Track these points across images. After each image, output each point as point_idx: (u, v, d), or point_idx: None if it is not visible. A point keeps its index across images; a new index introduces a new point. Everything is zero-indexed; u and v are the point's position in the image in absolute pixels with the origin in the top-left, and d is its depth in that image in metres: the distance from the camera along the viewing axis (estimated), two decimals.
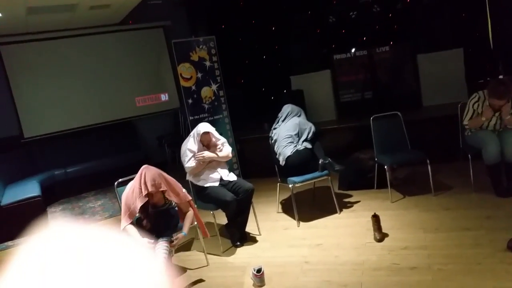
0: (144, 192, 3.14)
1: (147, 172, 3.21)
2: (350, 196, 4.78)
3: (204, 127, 3.91)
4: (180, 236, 3.27)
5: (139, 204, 3.14)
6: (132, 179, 3.79)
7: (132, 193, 3.23)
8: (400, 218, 3.92)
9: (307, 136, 4.37)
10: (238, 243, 3.93)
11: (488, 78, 7.92)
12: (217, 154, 3.95)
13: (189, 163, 3.91)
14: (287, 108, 4.61)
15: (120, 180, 3.78)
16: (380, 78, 6.57)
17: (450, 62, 6.06)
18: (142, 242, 3.14)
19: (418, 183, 4.75)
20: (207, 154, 3.90)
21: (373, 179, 4.82)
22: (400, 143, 4.74)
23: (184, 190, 3.52)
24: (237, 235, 3.98)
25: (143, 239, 3.16)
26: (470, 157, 4.23)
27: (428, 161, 4.29)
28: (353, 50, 6.66)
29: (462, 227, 3.49)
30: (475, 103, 4.07)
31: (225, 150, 4.02)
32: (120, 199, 3.66)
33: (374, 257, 3.27)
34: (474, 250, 3.09)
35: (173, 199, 3.32)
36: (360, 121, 5.85)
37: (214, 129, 4.01)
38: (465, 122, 4.15)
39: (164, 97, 8.58)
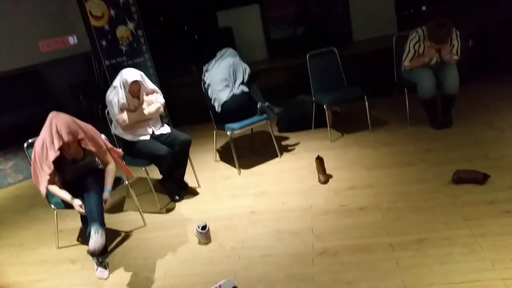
0: (58, 143, 2.65)
1: (58, 120, 2.71)
2: (288, 138, 4.61)
3: (131, 74, 3.34)
4: (105, 196, 2.86)
5: (51, 157, 2.67)
6: None
7: (42, 147, 2.73)
8: (342, 157, 3.84)
9: (243, 78, 4.02)
10: (177, 197, 3.62)
11: (411, 10, 8.00)
12: (144, 112, 3.44)
13: (121, 116, 3.38)
14: (223, 50, 4.17)
15: (30, 140, 3.19)
16: (311, 13, 6.27)
17: None
18: (74, 203, 2.73)
19: (355, 120, 4.70)
20: (126, 117, 3.38)
21: (309, 119, 4.67)
22: (336, 80, 4.59)
23: (103, 136, 3.06)
24: (175, 188, 3.65)
25: (74, 200, 2.74)
26: (406, 91, 4.20)
27: (365, 98, 4.21)
28: None
29: (404, 162, 3.49)
30: (416, 43, 3.96)
31: (154, 105, 3.53)
32: (31, 161, 3.12)
33: (321, 200, 3.15)
34: (419, 185, 3.08)
35: (91, 148, 2.84)
36: (294, 59, 5.59)
37: (143, 75, 3.47)
38: (406, 63, 4.05)
39: (72, 39, 7.54)
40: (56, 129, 2.67)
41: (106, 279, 2.71)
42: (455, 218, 2.62)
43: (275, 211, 3.13)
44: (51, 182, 2.76)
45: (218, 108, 3.94)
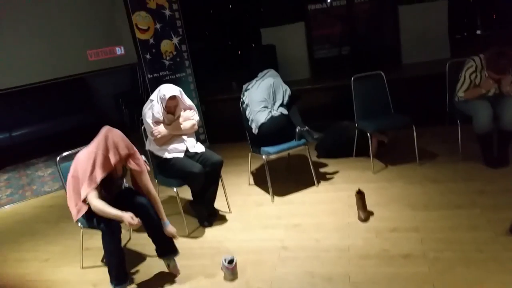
0: (115, 159, 2.54)
1: (114, 134, 2.61)
2: (327, 165, 4.38)
3: (169, 90, 3.28)
4: (172, 231, 2.82)
5: (101, 174, 2.54)
6: (76, 152, 3.21)
7: (93, 162, 2.57)
8: (384, 192, 3.56)
9: (283, 100, 3.86)
10: (206, 223, 3.48)
11: (465, 34, 7.57)
12: (179, 127, 3.38)
13: (157, 128, 3.34)
14: (265, 71, 4.04)
15: (64, 154, 3.16)
16: (358, 32, 6.03)
17: (433, 15, 5.56)
18: (124, 217, 2.53)
19: (400, 150, 4.39)
20: (163, 129, 3.32)
21: (352, 147, 4.42)
22: (382, 107, 4.31)
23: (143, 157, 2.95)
24: (205, 213, 3.52)
25: (124, 213, 2.55)
26: (459, 123, 3.87)
27: (414, 127, 3.91)
28: (329, 0, 6.04)
29: (454, 205, 3.17)
30: (472, 73, 3.64)
31: (190, 121, 3.45)
32: (65, 177, 3.07)
33: (360, 241, 2.90)
34: (471, 233, 2.76)
35: (135, 168, 2.71)
36: (337, 81, 5.38)
37: (181, 91, 3.40)
38: (461, 94, 3.73)
39: (119, 50, 7.66)
40: (113, 143, 2.57)
41: None
42: None
43: (308, 248, 2.91)
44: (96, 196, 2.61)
45: (255, 130, 3.79)
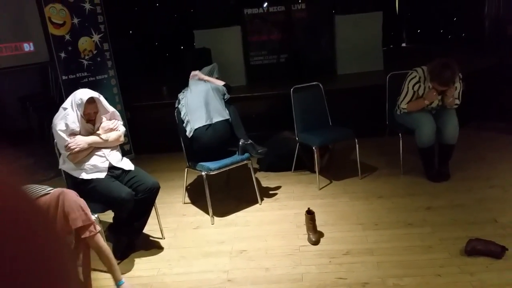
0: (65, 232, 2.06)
1: (67, 197, 2.14)
2: (268, 179, 4.10)
3: (85, 93, 2.75)
4: None
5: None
6: None
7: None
8: (331, 210, 3.35)
9: (223, 101, 3.55)
10: (120, 255, 2.91)
11: (391, 46, 7.84)
12: (101, 138, 2.85)
13: (74, 140, 2.76)
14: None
15: None
16: (295, 40, 5.88)
17: (368, 27, 5.59)
18: None
19: (342, 163, 4.26)
20: (82, 140, 2.77)
21: (292, 159, 4.18)
22: (321, 119, 4.15)
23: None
24: (124, 243, 2.99)
25: None
26: (400, 136, 3.81)
27: (356, 140, 3.79)
28: (265, 4, 5.81)
29: (404, 222, 3.05)
30: (415, 84, 3.58)
31: (115, 132, 2.93)
32: None
33: (313, 268, 2.63)
34: (427, 255, 2.63)
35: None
36: (274, 89, 5.15)
37: (100, 95, 2.87)
38: (404, 105, 3.66)
39: (28, 46, 6.73)
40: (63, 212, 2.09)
41: None
42: None
43: (257, 280, 2.57)
44: None
45: (189, 133, 3.37)
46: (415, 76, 3.60)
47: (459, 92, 3.59)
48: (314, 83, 4.19)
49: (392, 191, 3.57)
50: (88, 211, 2.23)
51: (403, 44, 7.91)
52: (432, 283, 2.38)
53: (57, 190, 2.14)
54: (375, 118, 4.41)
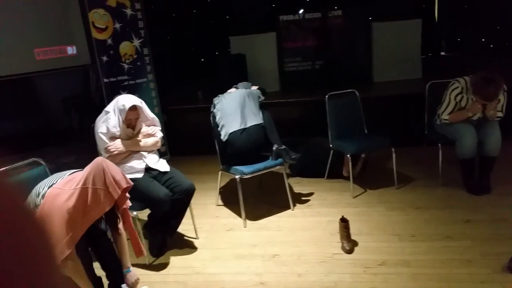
0: (116, 193, 2.11)
1: (109, 164, 2.18)
2: (300, 185, 4.08)
3: (129, 99, 2.84)
4: (130, 280, 2.39)
5: (103, 210, 2.10)
6: (18, 168, 2.69)
7: (80, 199, 2.06)
8: (366, 219, 3.30)
9: (259, 107, 3.57)
10: (156, 252, 3.02)
11: (430, 54, 7.67)
12: (139, 143, 2.93)
13: (114, 144, 2.87)
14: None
15: (3, 169, 2.62)
16: (330, 47, 5.85)
17: (407, 34, 5.49)
18: None
19: (377, 172, 4.19)
20: (120, 144, 2.87)
21: (325, 167, 4.15)
22: (357, 126, 4.11)
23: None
24: (159, 241, 3.06)
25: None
26: (440, 146, 3.71)
27: (393, 149, 3.72)
28: (301, 11, 5.82)
29: (442, 235, 2.96)
30: (458, 94, 3.49)
31: (152, 138, 3.02)
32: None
33: (347, 276, 2.60)
34: (466, 269, 2.55)
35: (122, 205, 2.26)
36: (308, 96, 5.13)
37: (143, 102, 2.95)
38: (445, 116, 3.57)
39: (71, 50, 6.99)
40: (111, 175, 2.12)
41: None
42: None
43: (290, 285, 2.56)
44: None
45: (224, 137, 3.41)
46: (458, 87, 3.51)
47: (502, 105, 3.46)
48: (349, 90, 4.15)
49: (430, 202, 3.48)
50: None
51: (442, 53, 7.72)
52: None
53: (97, 159, 2.19)
54: (413, 127, 4.32)
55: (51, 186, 2.23)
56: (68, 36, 6.82)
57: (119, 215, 2.33)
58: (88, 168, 2.15)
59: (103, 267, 2.45)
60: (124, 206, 2.29)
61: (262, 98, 3.70)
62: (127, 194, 2.30)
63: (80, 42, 6.84)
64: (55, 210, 2.05)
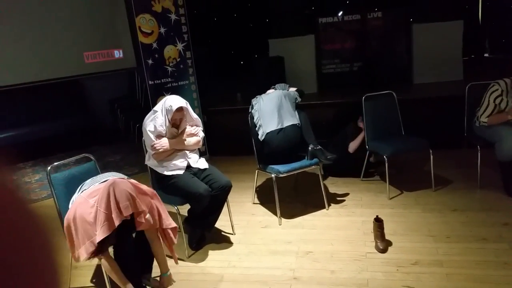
0: (118, 219, 2.20)
1: (117, 190, 2.24)
2: (336, 186, 4.13)
3: (176, 101, 3.01)
4: (164, 283, 2.55)
5: (102, 235, 2.18)
6: (68, 164, 2.94)
7: (95, 218, 2.23)
8: (402, 220, 3.32)
9: (294, 106, 3.67)
10: (195, 245, 3.19)
11: (473, 56, 7.47)
12: (183, 142, 3.11)
13: (160, 141, 3.07)
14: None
15: (55, 164, 2.89)
16: (369, 49, 5.85)
17: (448, 36, 5.41)
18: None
19: (415, 174, 4.17)
20: (166, 143, 3.05)
21: (360, 167, 4.18)
22: (394, 128, 4.11)
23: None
24: (198, 235, 3.22)
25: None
26: (479, 149, 3.66)
27: (431, 151, 3.70)
28: (340, 13, 5.86)
29: (478, 237, 2.94)
30: (497, 97, 3.45)
31: (195, 138, 3.19)
32: (55, 188, 2.79)
33: (380, 274, 2.65)
34: (501, 271, 2.53)
35: (139, 227, 2.36)
36: (345, 97, 5.17)
37: (187, 103, 3.13)
38: (484, 119, 3.53)
39: (118, 53, 7.40)
40: (115, 200, 2.22)
41: None
42: None
43: (323, 281, 2.64)
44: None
45: (261, 137, 3.53)
46: (497, 89, 3.46)
47: None
48: (387, 91, 4.17)
49: (467, 204, 3.45)
50: (138, 197, 2.32)
51: (486, 54, 7.49)
52: None
53: (109, 181, 2.30)
54: (452, 130, 4.26)
55: (83, 191, 2.46)
56: (115, 40, 7.22)
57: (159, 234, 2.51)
58: (100, 189, 2.29)
59: (123, 270, 2.49)
60: (164, 227, 2.46)
61: (299, 99, 3.79)
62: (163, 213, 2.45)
63: (127, 46, 7.23)
64: (77, 218, 2.27)
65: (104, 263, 2.40)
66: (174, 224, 2.56)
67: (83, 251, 2.23)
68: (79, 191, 2.51)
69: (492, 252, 2.74)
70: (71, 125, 6.46)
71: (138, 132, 6.00)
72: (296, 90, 3.87)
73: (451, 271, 2.60)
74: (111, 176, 2.54)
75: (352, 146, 4.18)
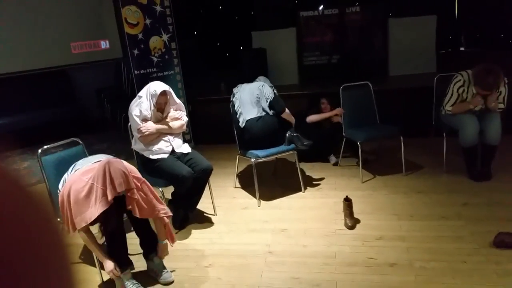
0: (111, 196, 2.36)
1: (112, 168, 2.40)
2: (312, 171, 4.38)
3: (159, 85, 3.21)
4: (162, 251, 2.75)
5: (97, 212, 2.35)
6: (60, 146, 3.11)
7: (88, 194, 2.39)
8: (370, 201, 3.58)
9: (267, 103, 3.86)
10: (178, 225, 3.38)
11: (449, 49, 7.76)
12: (168, 125, 3.31)
13: (145, 125, 3.25)
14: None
15: (45, 147, 3.06)
16: (348, 42, 6.09)
17: (422, 30, 5.68)
18: (106, 265, 2.53)
19: (387, 160, 4.44)
20: (151, 126, 3.24)
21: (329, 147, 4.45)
22: (369, 117, 4.37)
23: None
24: (181, 215, 3.43)
25: (106, 261, 2.53)
26: (445, 136, 3.94)
27: (401, 138, 3.97)
28: (321, 7, 6.07)
29: (439, 215, 3.21)
30: (460, 87, 3.72)
31: (179, 121, 3.39)
32: (44, 169, 2.96)
33: (347, 248, 2.90)
34: (456, 244, 2.80)
35: (129, 207, 2.51)
36: (324, 88, 5.40)
37: (170, 89, 3.32)
38: (448, 107, 3.80)
39: (104, 44, 7.51)
40: (110, 178, 2.38)
41: None
42: None
43: (295, 254, 2.88)
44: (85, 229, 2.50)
45: (242, 124, 3.74)
46: (460, 80, 3.72)
47: (504, 97, 3.66)
48: (363, 82, 4.41)
49: (432, 187, 3.72)
50: (131, 176, 2.47)
51: (462, 48, 7.79)
52: (457, 268, 2.55)
53: (105, 159, 2.47)
54: (422, 119, 4.53)
55: (76, 170, 2.63)
56: (102, 31, 7.33)
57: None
58: (96, 167, 2.47)
59: (138, 235, 2.81)
60: (161, 215, 2.61)
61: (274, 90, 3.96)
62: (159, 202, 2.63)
63: (113, 36, 7.35)
64: (71, 193, 2.44)
65: (83, 236, 2.52)
66: (170, 213, 2.70)
67: (77, 223, 2.41)
68: (71, 170, 2.69)
69: (450, 228, 3.01)
70: (58, 114, 6.57)
71: (125, 121, 6.16)
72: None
73: (411, 245, 2.86)
74: (103, 157, 2.72)
75: (311, 118, 4.42)
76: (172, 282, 2.70)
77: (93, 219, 2.36)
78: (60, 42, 6.85)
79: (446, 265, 2.59)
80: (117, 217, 2.61)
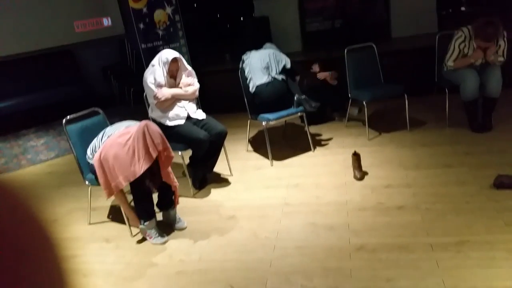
0: (155, 153, 2.60)
1: (151, 130, 2.64)
2: (321, 133, 4.56)
3: (171, 53, 3.37)
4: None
5: (144, 167, 2.58)
6: (82, 116, 3.29)
7: (130, 153, 2.61)
8: (377, 155, 3.77)
9: (281, 68, 4.00)
10: (198, 185, 3.61)
11: (450, 10, 7.79)
12: (183, 90, 3.47)
13: (161, 91, 3.41)
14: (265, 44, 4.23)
15: (69, 117, 3.24)
16: (350, 5, 6.16)
17: None
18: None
19: (393, 118, 4.61)
20: (167, 91, 3.40)
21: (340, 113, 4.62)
22: (374, 77, 4.51)
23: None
24: (200, 176, 3.64)
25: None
26: (447, 91, 4.09)
27: (405, 96, 4.12)
28: None
29: (443, 164, 3.41)
30: (461, 43, 3.84)
31: (192, 87, 3.55)
32: (70, 138, 3.15)
33: (357, 196, 3.11)
34: (459, 187, 3.01)
35: (168, 159, 2.80)
36: (328, 53, 5.52)
37: (181, 55, 3.48)
38: (450, 63, 3.94)
39: (106, 21, 7.57)
40: (150, 138, 2.60)
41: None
42: (496, 222, 2.55)
43: (309, 204, 3.10)
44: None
45: (252, 89, 3.91)
46: (461, 36, 3.85)
47: (503, 50, 3.79)
48: (367, 44, 4.53)
49: (436, 140, 3.90)
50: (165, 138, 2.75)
51: (462, 8, 7.81)
52: (461, 208, 2.76)
53: (143, 122, 2.70)
54: (425, 77, 4.67)
55: (108, 136, 2.83)
56: (102, 8, 7.39)
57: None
58: (135, 129, 2.68)
59: (158, 190, 3.03)
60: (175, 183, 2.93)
61: (289, 66, 4.08)
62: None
63: (114, 13, 7.41)
64: (110, 156, 2.66)
65: (120, 196, 2.82)
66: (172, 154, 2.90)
67: (122, 181, 2.64)
68: (102, 137, 2.88)
69: (454, 175, 3.21)
70: (67, 93, 6.72)
71: (134, 96, 6.32)
72: (291, 69, 4.10)
73: (417, 190, 3.07)
74: (132, 123, 2.92)
75: (320, 75, 4.68)
76: (185, 228, 3.00)
77: (138, 175, 2.58)
78: (63, 22, 6.93)
79: (451, 206, 2.80)
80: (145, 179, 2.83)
